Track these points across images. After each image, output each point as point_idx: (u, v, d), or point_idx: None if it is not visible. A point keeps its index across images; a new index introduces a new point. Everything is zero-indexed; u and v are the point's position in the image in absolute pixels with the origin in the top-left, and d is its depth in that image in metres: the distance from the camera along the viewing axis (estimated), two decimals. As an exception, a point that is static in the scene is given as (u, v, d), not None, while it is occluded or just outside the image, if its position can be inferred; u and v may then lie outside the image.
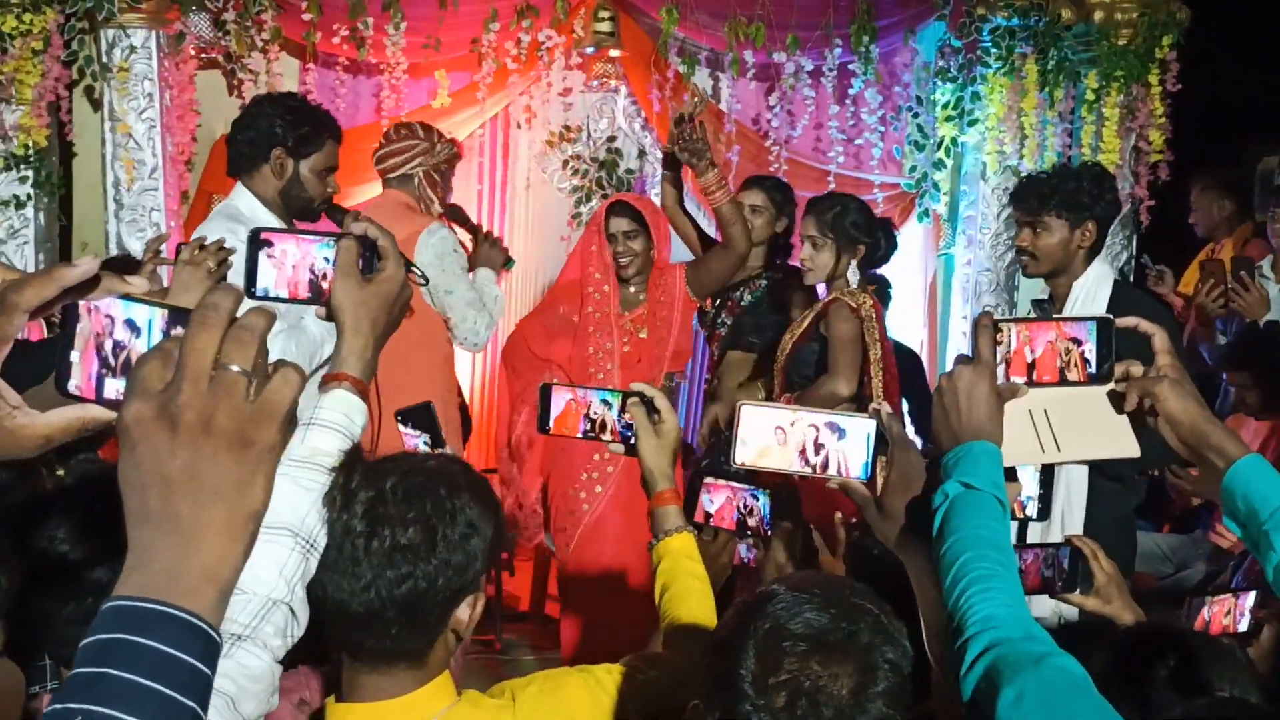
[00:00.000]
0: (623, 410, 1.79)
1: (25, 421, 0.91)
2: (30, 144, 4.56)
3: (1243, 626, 2.26)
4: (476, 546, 1.41)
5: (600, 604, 3.61)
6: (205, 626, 0.70)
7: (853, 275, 3.49)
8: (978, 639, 1.19)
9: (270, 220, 2.89)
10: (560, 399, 1.83)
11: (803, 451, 1.49)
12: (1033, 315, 1.44)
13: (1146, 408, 1.43)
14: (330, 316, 1.39)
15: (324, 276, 1.40)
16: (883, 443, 1.48)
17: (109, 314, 0.85)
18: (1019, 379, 1.45)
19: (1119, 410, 1.46)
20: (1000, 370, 1.43)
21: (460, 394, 4.27)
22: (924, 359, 5.28)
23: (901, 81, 5.48)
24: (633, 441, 1.79)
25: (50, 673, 1.54)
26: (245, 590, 1.22)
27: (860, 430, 1.50)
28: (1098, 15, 5.22)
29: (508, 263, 3.83)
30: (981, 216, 5.44)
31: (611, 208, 3.79)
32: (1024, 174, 5.26)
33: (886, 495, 1.45)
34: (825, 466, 1.49)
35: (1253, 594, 2.25)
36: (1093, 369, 1.45)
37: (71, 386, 0.86)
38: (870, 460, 1.50)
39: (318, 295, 1.40)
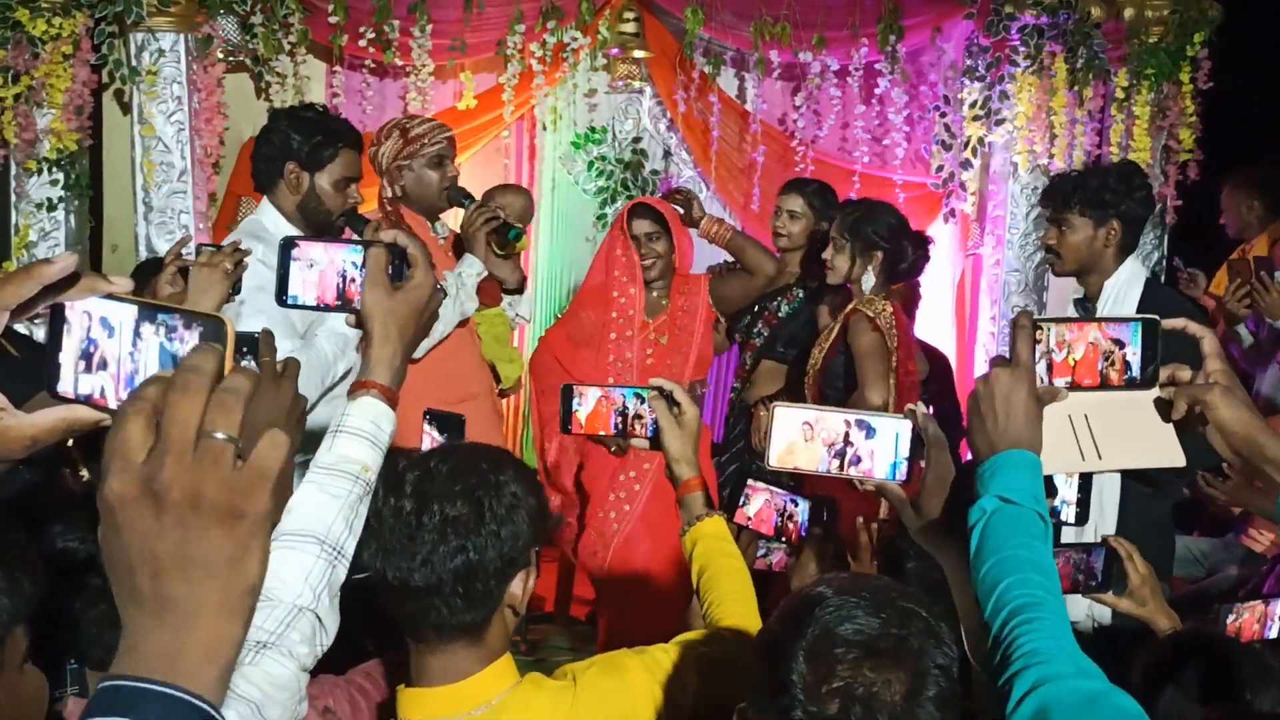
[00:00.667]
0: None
1: (11, 423, 0.90)
2: (61, 147, 4.61)
3: (1272, 634, 2.22)
4: (523, 518, 1.45)
5: (636, 627, 3.61)
6: (206, 706, 0.67)
7: (868, 281, 3.46)
8: (1025, 675, 1.14)
9: (291, 232, 2.88)
10: (590, 397, 1.84)
11: (832, 451, 1.48)
12: (1075, 315, 1.37)
13: (1196, 415, 1.37)
14: (359, 324, 1.40)
15: (353, 283, 1.41)
16: (919, 444, 1.46)
17: (86, 312, 0.85)
18: (1060, 382, 1.39)
19: (1165, 417, 1.40)
20: (1040, 372, 1.38)
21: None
22: (952, 360, 5.25)
23: (928, 81, 5.44)
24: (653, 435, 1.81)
25: (73, 677, 1.54)
26: (271, 598, 1.23)
27: (890, 430, 1.47)
28: (1128, 12, 5.17)
29: (510, 233, 3.36)
30: (1010, 216, 5.40)
31: (633, 210, 3.78)
32: (1053, 173, 5.24)
33: (923, 496, 1.42)
34: (854, 465, 1.48)
35: None
36: (1137, 373, 1.39)
37: (60, 388, 0.86)
38: (901, 461, 1.47)
39: (346, 303, 1.42)
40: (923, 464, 1.47)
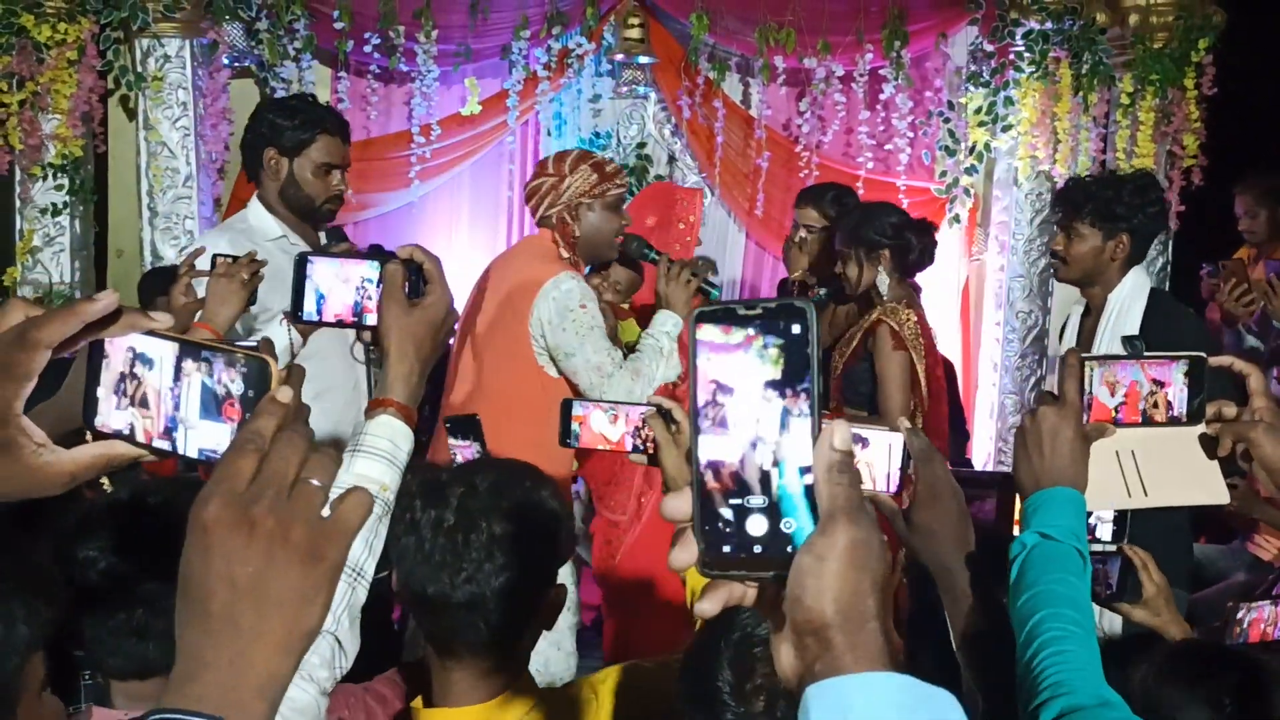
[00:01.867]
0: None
1: (50, 460, 0.90)
2: (66, 153, 4.61)
3: None
4: (562, 536, 1.47)
5: (645, 611, 3.60)
6: None
7: (883, 281, 3.43)
8: (1050, 705, 1.17)
9: (273, 226, 2.84)
10: (594, 413, 1.86)
11: None
12: (1122, 353, 1.41)
13: (1239, 453, 1.37)
14: (375, 341, 1.40)
15: (369, 300, 1.41)
16: (908, 457, 1.47)
17: (129, 348, 0.86)
18: (1106, 420, 1.40)
19: (1210, 454, 1.40)
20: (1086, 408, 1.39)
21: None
22: (957, 366, 5.25)
23: (933, 86, 5.45)
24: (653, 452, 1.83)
25: (88, 693, 1.54)
26: None
27: (883, 442, 1.49)
28: (1133, 18, 5.18)
29: (713, 294, 3.11)
30: (1014, 222, 5.40)
31: None
32: (1056, 179, 5.25)
33: (913, 509, 1.43)
34: None
35: None
36: (1184, 409, 1.40)
37: (99, 422, 0.87)
38: (893, 472, 1.48)
39: (362, 319, 1.42)
40: (912, 476, 1.48)
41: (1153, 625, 2.03)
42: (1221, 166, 5.26)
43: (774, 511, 0.65)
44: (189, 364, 0.83)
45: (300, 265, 1.43)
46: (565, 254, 3.01)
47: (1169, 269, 5.47)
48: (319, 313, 1.43)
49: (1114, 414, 1.39)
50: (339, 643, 1.25)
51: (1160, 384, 1.40)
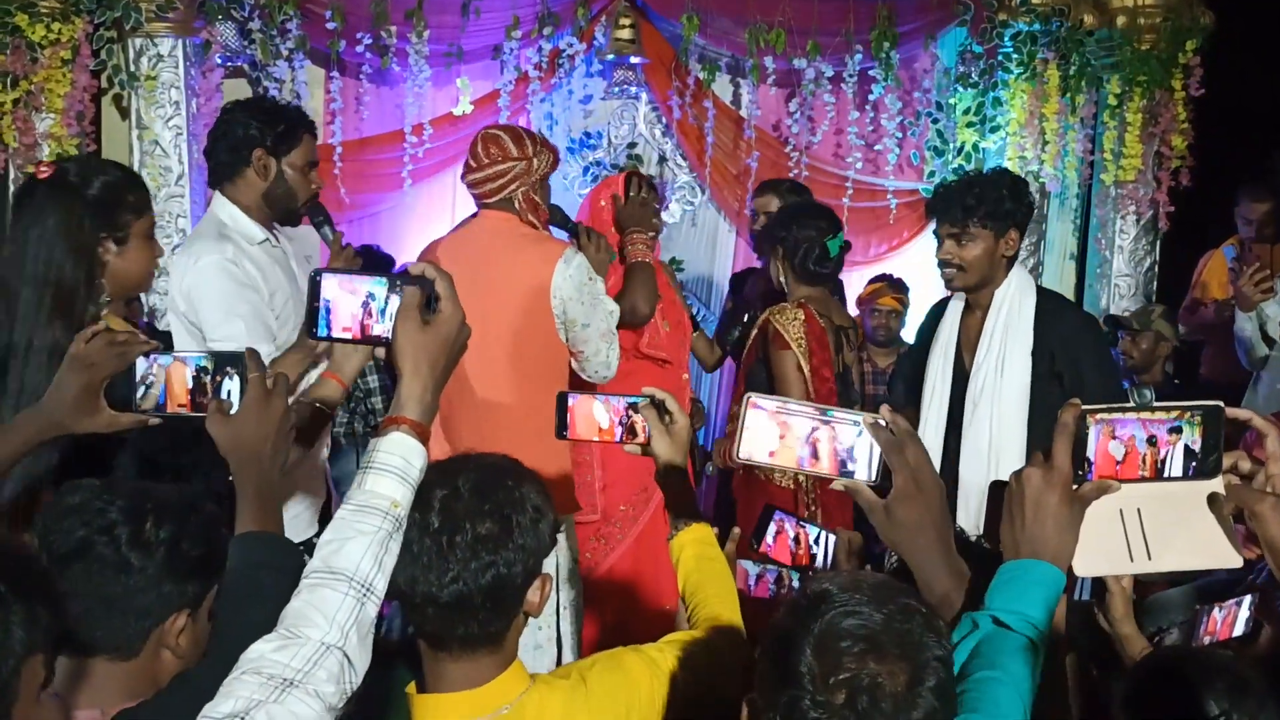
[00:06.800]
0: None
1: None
2: (60, 152, 4.64)
3: (1238, 630, 2.25)
4: (544, 530, 1.50)
5: (630, 621, 3.61)
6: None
7: (787, 282, 3.48)
8: None
9: (255, 230, 2.82)
10: (586, 404, 1.87)
11: (809, 449, 1.42)
12: (1129, 404, 1.20)
13: (1245, 517, 1.24)
14: (389, 358, 1.43)
15: (381, 316, 1.45)
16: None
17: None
18: (1111, 477, 1.28)
19: (1218, 514, 1.27)
20: (1095, 454, 1.27)
21: None
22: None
23: (922, 87, 5.48)
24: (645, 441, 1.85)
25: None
26: (298, 635, 1.24)
27: (862, 424, 1.39)
28: (1120, 20, 5.21)
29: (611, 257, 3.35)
30: (1003, 222, 5.42)
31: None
32: (1044, 179, 5.28)
33: (894, 502, 1.35)
34: (830, 465, 1.38)
35: (1249, 597, 2.24)
36: (1195, 463, 1.26)
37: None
38: (874, 460, 1.38)
39: (375, 336, 1.46)
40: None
41: (1111, 632, 2.02)
42: (1209, 167, 5.29)
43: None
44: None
45: (314, 282, 1.46)
46: (542, 230, 3.13)
47: (1156, 268, 5.50)
48: (328, 328, 1.47)
49: (1117, 465, 1.27)
50: (348, 658, 1.26)
51: (1154, 440, 1.27)
